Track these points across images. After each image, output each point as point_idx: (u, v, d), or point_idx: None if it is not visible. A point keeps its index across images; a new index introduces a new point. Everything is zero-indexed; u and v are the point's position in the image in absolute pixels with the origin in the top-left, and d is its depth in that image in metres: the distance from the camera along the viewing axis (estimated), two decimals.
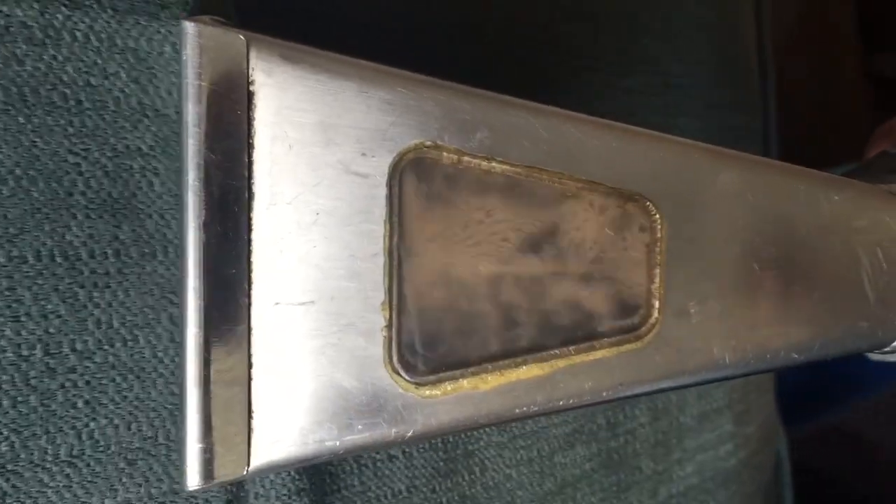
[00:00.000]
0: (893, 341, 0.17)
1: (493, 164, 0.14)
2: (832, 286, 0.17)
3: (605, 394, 0.15)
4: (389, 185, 0.14)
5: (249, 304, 0.13)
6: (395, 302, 0.14)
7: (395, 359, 0.14)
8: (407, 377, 0.14)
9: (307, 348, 0.14)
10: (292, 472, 0.18)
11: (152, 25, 0.15)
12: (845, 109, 0.74)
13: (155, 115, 0.16)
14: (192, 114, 0.13)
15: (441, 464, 0.20)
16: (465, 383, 0.15)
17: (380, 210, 0.14)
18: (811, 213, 0.16)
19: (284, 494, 0.17)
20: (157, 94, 0.15)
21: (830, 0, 0.75)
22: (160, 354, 0.16)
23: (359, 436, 0.14)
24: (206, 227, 0.13)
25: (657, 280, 0.15)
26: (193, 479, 0.13)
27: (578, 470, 0.23)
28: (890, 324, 0.17)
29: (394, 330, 0.14)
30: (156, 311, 0.16)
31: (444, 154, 0.14)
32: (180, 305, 0.13)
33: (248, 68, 0.13)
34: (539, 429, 0.22)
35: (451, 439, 0.21)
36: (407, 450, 0.20)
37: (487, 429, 0.21)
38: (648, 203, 0.15)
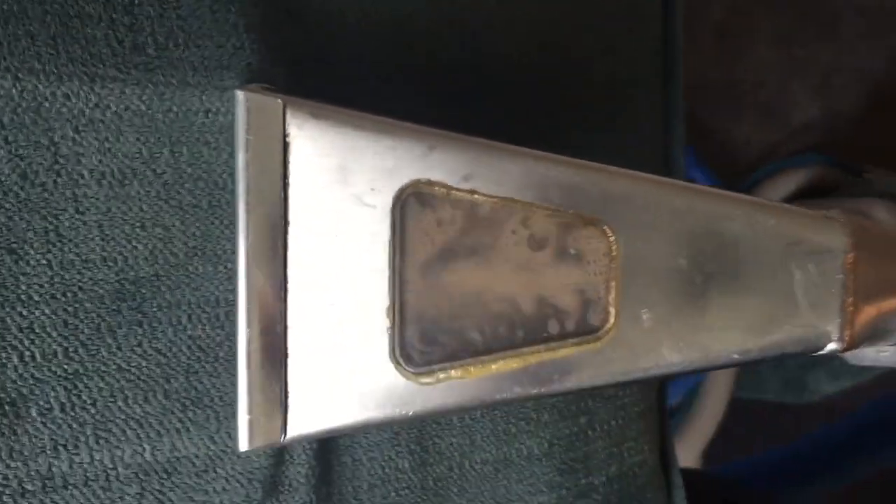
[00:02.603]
0: (825, 346, 0.21)
1: (476, 196, 0.18)
2: (768, 296, 0.20)
3: (569, 385, 0.19)
4: (392, 214, 0.18)
5: (286, 307, 0.17)
6: (396, 308, 0.18)
7: (397, 353, 0.18)
8: (407, 368, 0.18)
9: (331, 342, 0.17)
10: None
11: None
12: None
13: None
14: (242, 160, 0.17)
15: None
16: (453, 373, 0.18)
17: (385, 233, 0.18)
18: (748, 233, 0.20)
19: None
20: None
21: None
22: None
23: (370, 414, 0.18)
24: (253, 245, 0.17)
25: (613, 291, 0.19)
26: (244, 443, 0.17)
27: None
28: (821, 330, 0.20)
29: (396, 330, 0.18)
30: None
31: (436, 188, 0.18)
32: (236, 305, 0.17)
33: (284, 124, 0.17)
34: None
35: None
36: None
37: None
38: (605, 226, 0.19)
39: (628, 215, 0.19)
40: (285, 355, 0.17)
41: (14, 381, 0.18)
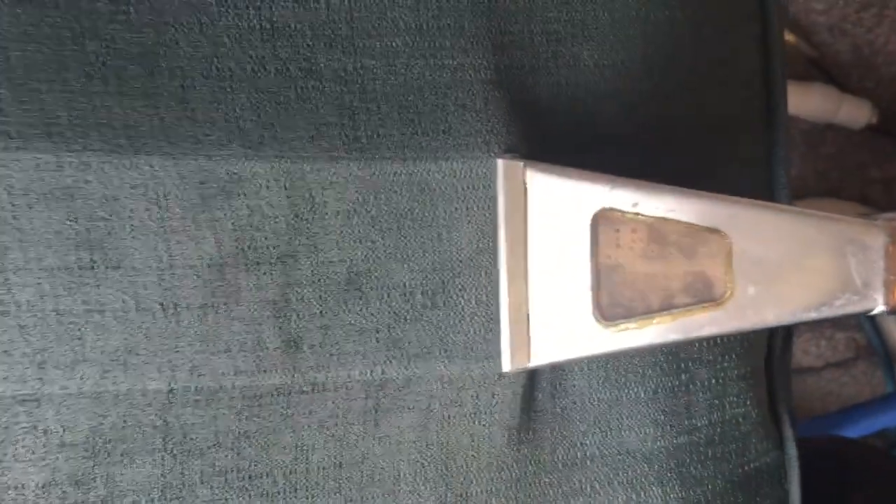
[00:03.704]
0: (874, 309, 0.31)
1: (640, 216, 0.29)
2: (834, 275, 0.30)
3: (702, 333, 0.30)
4: (590, 227, 0.29)
5: (527, 286, 0.29)
6: (593, 284, 0.29)
7: (595, 312, 0.29)
8: (601, 321, 0.29)
9: (555, 305, 0.29)
10: None
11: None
12: None
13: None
14: (501, 199, 0.28)
15: None
16: (630, 325, 0.29)
17: (586, 240, 0.29)
18: (821, 235, 0.30)
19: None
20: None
21: None
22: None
23: (575, 350, 0.29)
24: (508, 249, 0.28)
25: (729, 273, 0.30)
26: (505, 366, 0.29)
27: None
28: (870, 297, 0.31)
29: (594, 298, 0.29)
30: None
31: (616, 212, 0.29)
32: (499, 284, 0.28)
33: (524, 177, 0.29)
34: None
35: None
36: None
37: None
38: (723, 232, 0.30)
39: (739, 225, 0.30)
40: (528, 313, 0.29)
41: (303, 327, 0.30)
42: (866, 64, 0.92)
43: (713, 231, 0.30)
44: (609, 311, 0.29)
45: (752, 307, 0.30)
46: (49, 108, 0.27)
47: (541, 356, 0.29)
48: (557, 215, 0.29)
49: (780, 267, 0.30)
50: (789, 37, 0.90)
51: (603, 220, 0.29)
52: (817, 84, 0.90)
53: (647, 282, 0.29)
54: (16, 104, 0.27)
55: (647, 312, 0.29)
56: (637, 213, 0.29)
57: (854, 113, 0.90)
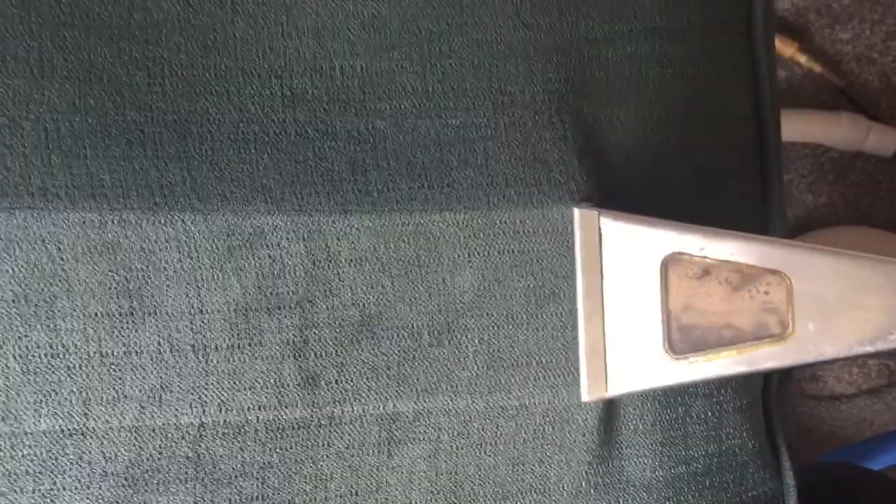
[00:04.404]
0: None
1: (707, 259, 0.32)
2: (882, 313, 0.32)
3: (766, 366, 0.32)
4: (660, 269, 0.32)
5: (603, 321, 0.32)
6: (665, 319, 0.32)
7: (665, 346, 0.32)
8: (671, 354, 0.32)
9: (629, 340, 0.32)
10: None
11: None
12: None
13: None
14: (578, 250, 0.31)
15: None
16: (699, 359, 0.32)
17: (657, 280, 0.32)
18: (869, 274, 0.32)
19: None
20: None
21: None
22: None
23: (648, 381, 0.32)
24: (585, 289, 0.32)
25: (790, 311, 0.32)
26: (584, 395, 0.32)
27: None
28: None
29: (665, 333, 0.32)
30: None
31: (684, 255, 0.32)
32: (579, 319, 0.32)
33: (599, 224, 0.32)
34: None
35: None
36: None
37: None
38: (784, 274, 0.32)
39: (798, 267, 0.32)
40: (605, 347, 0.32)
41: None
42: (894, 91, 0.93)
43: (774, 272, 0.32)
44: (679, 345, 0.32)
45: (812, 342, 0.32)
46: (94, 172, 0.30)
47: (616, 387, 0.32)
48: (630, 258, 0.32)
49: (837, 304, 0.32)
50: (817, 66, 0.91)
51: (673, 263, 0.32)
52: (845, 113, 0.91)
53: (714, 318, 0.32)
54: (64, 169, 0.30)
55: (714, 347, 0.32)
56: (704, 257, 0.32)
57: (883, 141, 0.91)
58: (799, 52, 0.91)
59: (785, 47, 0.90)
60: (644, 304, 0.32)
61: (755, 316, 0.32)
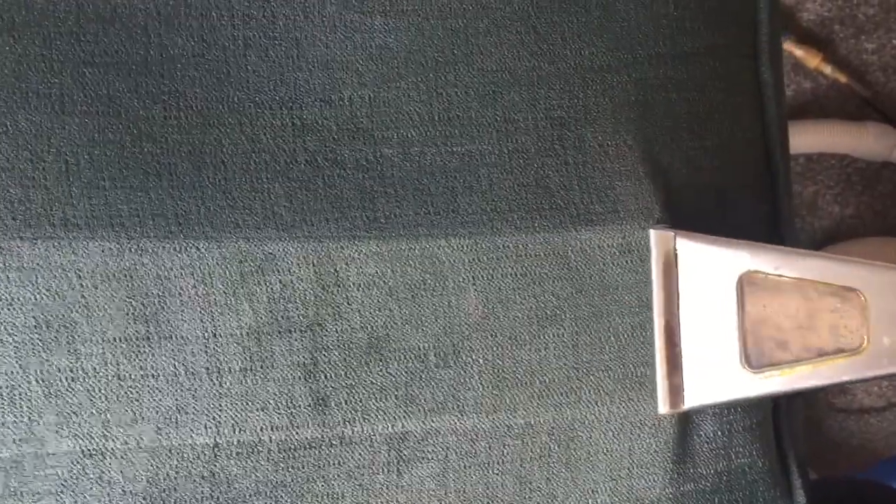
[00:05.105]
0: None
1: (782, 277, 0.33)
2: None
3: (841, 379, 0.33)
4: (736, 286, 0.33)
5: (680, 337, 0.33)
6: (741, 336, 0.33)
7: (742, 360, 0.33)
8: (748, 369, 0.33)
9: (706, 354, 0.33)
10: None
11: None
12: None
13: None
14: (654, 270, 0.32)
15: None
16: (775, 373, 0.33)
17: (733, 298, 0.33)
18: None
19: None
20: None
21: None
22: None
23: (725, 394, 0.33)
24: (661, 307, 0.33)
25: (865, 325, 0.33)
26: (662, 409, 0.33)
27: None
28: None
29: (742, 347, 0.33)
30: None
31: (759, 274, 0.33)
32: (655, 338, 0.33)
33: (674, 244, 0.33)
34: None
35: None
36: None
37: None
38: (859, 291, 0.33)
39: (872, 284, 0.33)
40: (681, 362, 0.33)
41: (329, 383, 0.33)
42: None
43: (849, 289, 0.33)
44: (756, 360, 0.33)
45: (886, 356, 0.33)
46: (112, 202, 0.32)
47: (693, 400, 0.34)
48: (705, 277, 0.33)
49: None
50: (842, 77, 0.91)
51: (748, 281, 0.33)
52: (871, 123, 0.90)
53: (789, 334, 0.33)
54: (84, 199, 0.31)
55: (790, 361, 0.33)
56: (780, 275, 0.33)
57: None
58: (824, 63, 0.90)
59: (810, 58, 0.90)
60: (720, 320, 0.33)
61: (830, 331, 0.33)
